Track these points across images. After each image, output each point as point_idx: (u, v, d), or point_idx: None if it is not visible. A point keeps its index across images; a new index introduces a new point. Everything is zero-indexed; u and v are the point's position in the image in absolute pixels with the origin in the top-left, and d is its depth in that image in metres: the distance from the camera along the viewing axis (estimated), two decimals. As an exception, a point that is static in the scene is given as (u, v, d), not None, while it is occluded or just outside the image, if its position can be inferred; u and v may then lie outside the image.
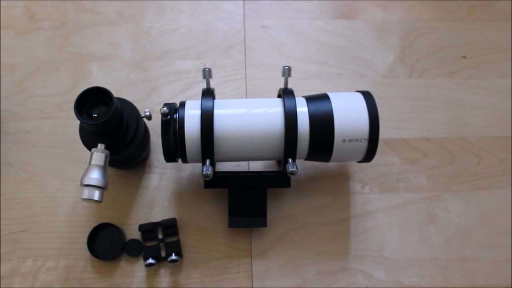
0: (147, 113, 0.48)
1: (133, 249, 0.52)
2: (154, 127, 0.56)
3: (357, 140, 0.44)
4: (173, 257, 0.50)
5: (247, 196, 0.50)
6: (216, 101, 0.46)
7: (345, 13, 0.64)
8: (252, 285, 0.52)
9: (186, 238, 0.53)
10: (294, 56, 0.61)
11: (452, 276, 0.53)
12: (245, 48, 0.62)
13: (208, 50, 0.61)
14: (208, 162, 0.44)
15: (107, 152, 0.44)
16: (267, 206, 0.51)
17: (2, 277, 0.51)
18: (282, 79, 0.47)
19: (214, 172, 0.46)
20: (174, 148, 0.46)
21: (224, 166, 0.56)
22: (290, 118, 0.43)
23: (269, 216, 0.53)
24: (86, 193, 0.42)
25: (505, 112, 0.60)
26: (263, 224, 0.51)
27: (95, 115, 0.44)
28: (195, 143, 0.45)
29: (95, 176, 0.42)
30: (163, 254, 0.52)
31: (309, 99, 0.46)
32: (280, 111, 0.45)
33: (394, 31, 0.63)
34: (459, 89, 0.61)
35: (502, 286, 0.53)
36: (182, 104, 0.46)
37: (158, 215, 0.54)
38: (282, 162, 0.46)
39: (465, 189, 0.56)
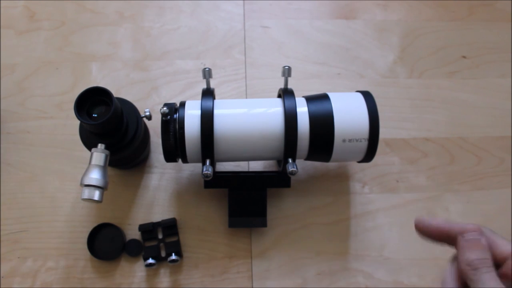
0: (147, 113, 0.48)
1: (133, 249, 0.52)
2: (154, 127, 0.56)
3: (357, 140, 0.44)
4: (173, 257, 0.50)
5: (247, 196, 0.50)
6: (216, 101, 0.46)
7: (345, 13, 0.64)
8: (252, 285, 0.52)
9: (186, 238, 0.53)
10: (294, 56, 0.61)
11: (452, 276, 0.53)
12: (245, 48, 0.62)
13: (208, 50, 0.61)
14: (208, 162, 0.44)
15: (107, 152, 0.44)
16: (267, 206, 0.51)
17: (2, 277, 0.51)
18: (282, 79, 0.47)
19: (214, 172, 0.46)
20: (174, 148, 0.46)
21: (224, 166, 0.56)
22: (290, 118, 0.43)
23: (269, 216, 0.53)
24: (86, 193, 0.42)
25: (505, 112, 0.60)
26: (263, 224, 0.51)
27: (95, 115, 0.44)
28: (195, 143, 0.45)
29: (95, 176, 0.42)
30: (163, 254, 0.52)
31: (309, 99, 0.46)
32: (280, 111, 0.45)
33: (394, 31, 0.63)
34: (459, 89, 0.61)
35: (502, 286, 0.53)
36: (182, 104, 0.46)
37: (158, 215, 0.54)
38: (282, 162, 0.46)
39: (465, 189, 0.56)
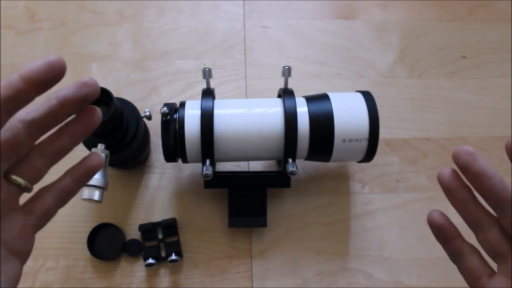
0: (147, 113, 0.48)
1: (133, 249, 0.52)
2: (154, 127, 0.56)
3: (357, 140, 0.44)
4: (173, 257, 0.50)
5: (247, 196, 0.50)
6: (216, 101, 0.46)
7: (345, 13, 0.64)
8: (252, 285, 0.52)
9: (186, 238, 0.53)
10: (294, 56, 0.61)
11: (452, 276, 0.53)
12: (245, 48, 0.62)
13: (208, 50, 0.61)
14: (208, 162, 0.44)
15: (107, 152, 0.44)
16: (267, 206, 0.51)
17: (2, 277, 0.51)
18: (282, 79, 0.47)
19: (214, 172, 0.46)
20: (174, 148, 0.46)
21: (224, 166, 0.56)
22: (290, 118, 0.43)
23: (269, 216, 0.53)
24: (86, 193, 0.42)
25: (505, 112, 0.60)
26: (263, 224, 0.51)
27: (95, 115, 0.44)
28: (195, 143, 0.45)
29: (95, 176, 0.42)
30: (163, 254, 0.52)
31: (309, 99, 0.46)
32: (280, 111, 0.45)
33: (394, 31, 0.63)
34: (459, 89, 0.61)
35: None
36: (182, 104, 0.46)
37: (158, 215, 0.54)
38: (282, 162, 0.46)
39: (465, 189, 0.56)
